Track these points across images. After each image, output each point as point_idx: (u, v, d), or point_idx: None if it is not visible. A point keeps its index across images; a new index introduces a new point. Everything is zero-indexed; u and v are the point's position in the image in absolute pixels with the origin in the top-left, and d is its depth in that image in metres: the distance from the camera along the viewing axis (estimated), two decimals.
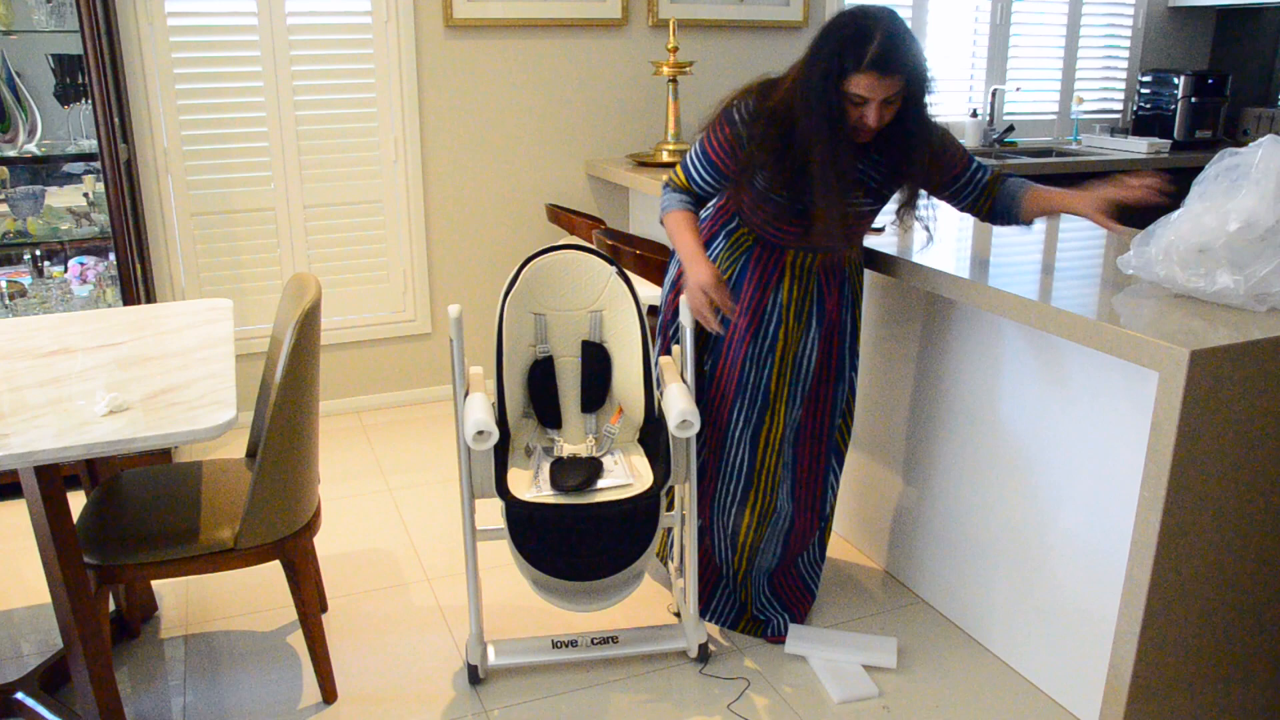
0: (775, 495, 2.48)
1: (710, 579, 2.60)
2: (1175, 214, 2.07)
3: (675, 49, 3.87)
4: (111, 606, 2.54)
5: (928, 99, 2.16)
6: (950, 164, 2.35)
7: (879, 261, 2.49)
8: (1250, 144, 2.03)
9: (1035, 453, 2.30)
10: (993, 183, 2.40)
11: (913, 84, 2.09)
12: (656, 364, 2.41)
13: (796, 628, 2.54)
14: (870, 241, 2.56)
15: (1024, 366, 2.30)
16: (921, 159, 2.23)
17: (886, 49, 2.00)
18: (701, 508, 2.51)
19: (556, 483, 2.22)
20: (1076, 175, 4.52)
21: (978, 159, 2.42)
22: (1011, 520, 2.39)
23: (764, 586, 2.60)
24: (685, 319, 2.32)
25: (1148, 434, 1.84)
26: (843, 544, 3.02)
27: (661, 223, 2.36)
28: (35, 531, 1.93)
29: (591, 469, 2.26)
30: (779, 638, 2.55)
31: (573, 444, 2.42)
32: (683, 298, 2.30)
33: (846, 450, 2.57)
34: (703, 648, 2.44)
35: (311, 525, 2.26)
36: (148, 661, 2.48)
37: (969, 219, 2.94)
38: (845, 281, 2.43)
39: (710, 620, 2.61)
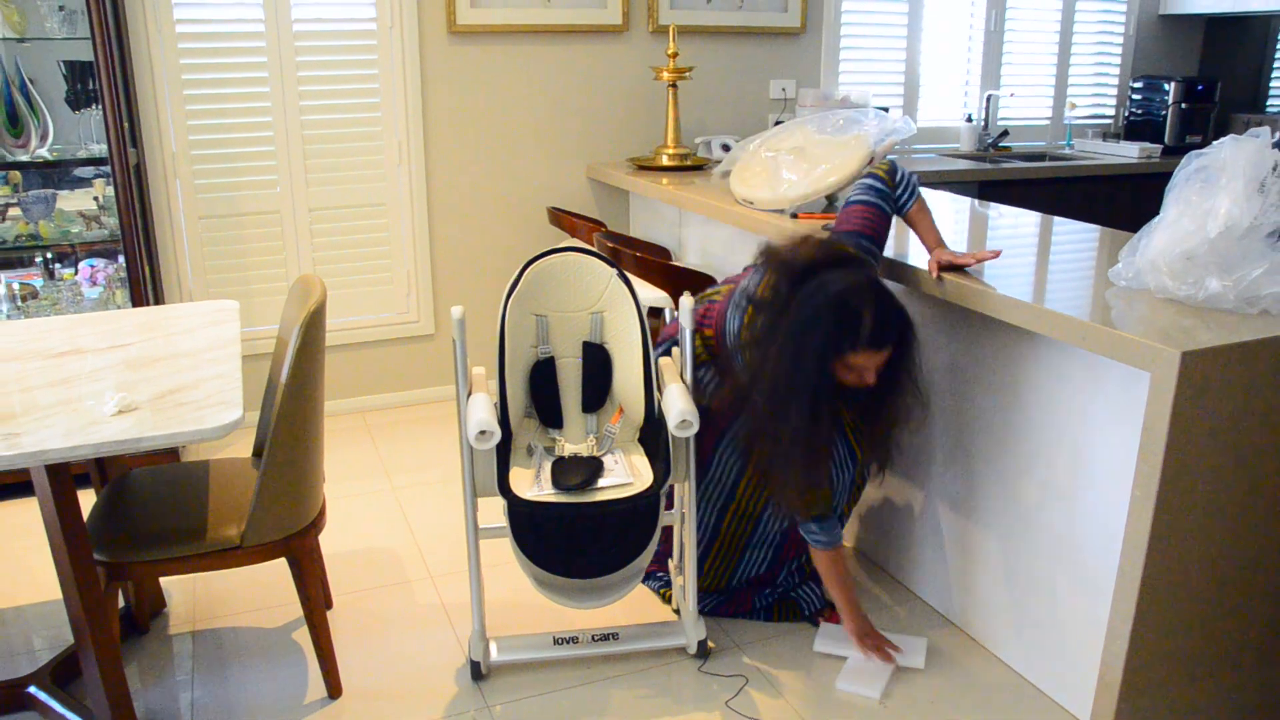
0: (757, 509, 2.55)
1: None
2: (1155, 221, 2.09)
3: (675, 54, 3.91)
4: (121, 603, 2.57)
5: (914, 363, 2.25)
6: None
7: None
8: (1213, 145, 2.06)
9: (1028, 453, 2.32)
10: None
11: (901, 345, 2.17)
12: (656, 365, 2.45)
13: (827, 626, 2.57)
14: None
15: (1017, 367, 2.33)
16: (904, 388, 2.27)
17: (879, 324, 2.08)
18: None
19: (558, 482, 2.26)
20: (1070, 179, 4.56)
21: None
22: (1005, 518, 2.42)
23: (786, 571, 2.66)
24: (685, 321, 2.36)
25: (1139, 434, 1.86)
26: None
27: (812, 558, 2.46)
28: (46, 529, 1.95)
29: (592, 468, 2.30)
30: (827, 613, 2.61)
31: (574, 444, 2.45)
32: None
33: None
34: (702, 644, 2.47)
35: (317, 523, 2.29)
36: (156, 657, 2.51)
37: (963, 226, 2.97)
38: None
39: (750, 618, 2.66)
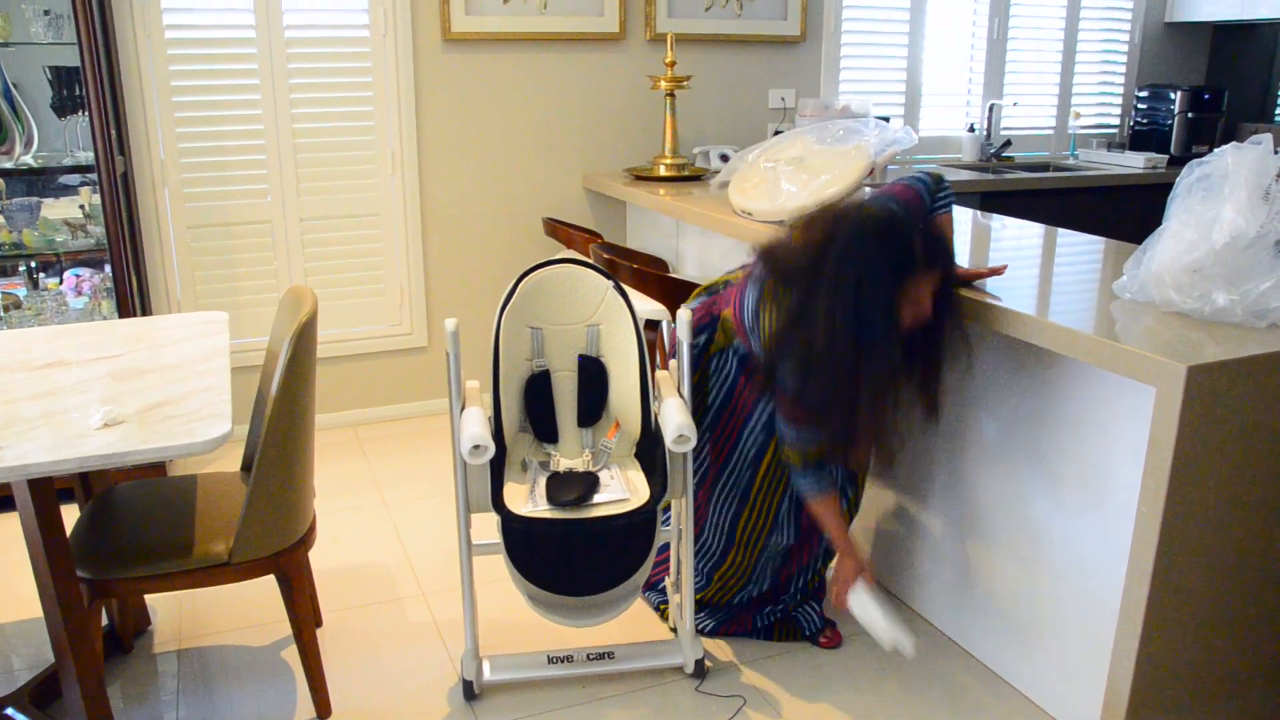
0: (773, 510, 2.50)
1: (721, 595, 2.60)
2: (1159, 231, 2.06)
3: (673, 63, 3.88)
4: (104, 620, 2.52)
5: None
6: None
7: None
8: (1215, 153, 2.03)
9: (1033, 468, 2.29)
10: None
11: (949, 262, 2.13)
12: (653, 378, 2.41)
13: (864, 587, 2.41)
14: None
15: (1021, 380, 2.30)
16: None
17: (928, 241, 2.04)
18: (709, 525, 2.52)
19: (553, 497, 2.21)
20: (1074, 190, 4.54)
21: None
22: (1008, 535, 2.39)
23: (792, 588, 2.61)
24: (683, 334, 2.32)
25: (1145, 449, 1.83)
26: None
27: (804, 500, 2.38)
28: (28, 545, 1.92)
29: (588, 484, 2.26)
30: (828, 632, 2.58)
31: (569, 458, 2.41)
32: None
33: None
34: (699, 663, 2.43)
35: (306, 539, 2.25)
36: (140, 676, 2.47)
37: (965, 238, 2.94)
38: None
39: (751, 637, 2.62)
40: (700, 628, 2.61)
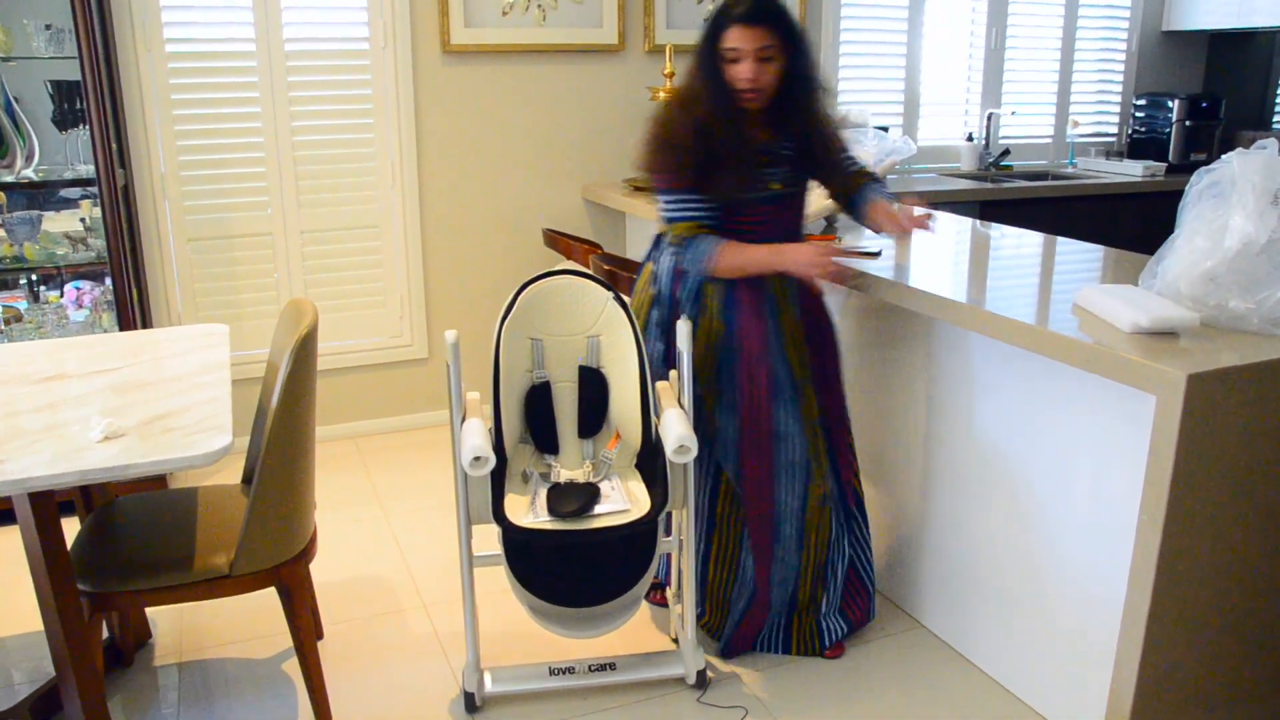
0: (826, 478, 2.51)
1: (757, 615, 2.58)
2: (1172, 239, 2.07)
3: (672, 74, 3.89)
4: (105, 633, 2.52)
5: (808, 67, 2.34)
6: (837, 145, 2.51)
7: (875, 285, 2.49)
8: (1221, 159, 2.03)
9: (1034, 477, 2.29)
10: (857, 175, 2.55)
11: (786, 41, 2.25)
12: (653, 389, 2.41)
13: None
14: (865, 265, 2.56)
15: (1023, 389, 2.30)
16: (819, 123, 2.40)
17: (755, 5, 2.22)
18: (760, 556, 2.50)
19: (553, 509, 2.21)
20: (1073, 198, 4.55)
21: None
22: (1010, 545, 2.38)
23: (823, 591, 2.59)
24: (683, 345, 2.32)
25: (1146, 458, 1.83)
26: None
27: (712, 273, 2.36)
28: (29, 558, 1.92)
29: (588, 495, 2.25)
30: (838, 649, 2.58)
31: (570, 469, 2.41)
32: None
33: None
34: (701, 674, 2.43)
35: (307, 552, 2.25)
36: (141, 689, 2.46)
37: (964, 245, 2.95)
38: (821, 297, 2.52)
39: (761, 650, 2.61)
40: (710, 650, 2.60)
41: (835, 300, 2.90)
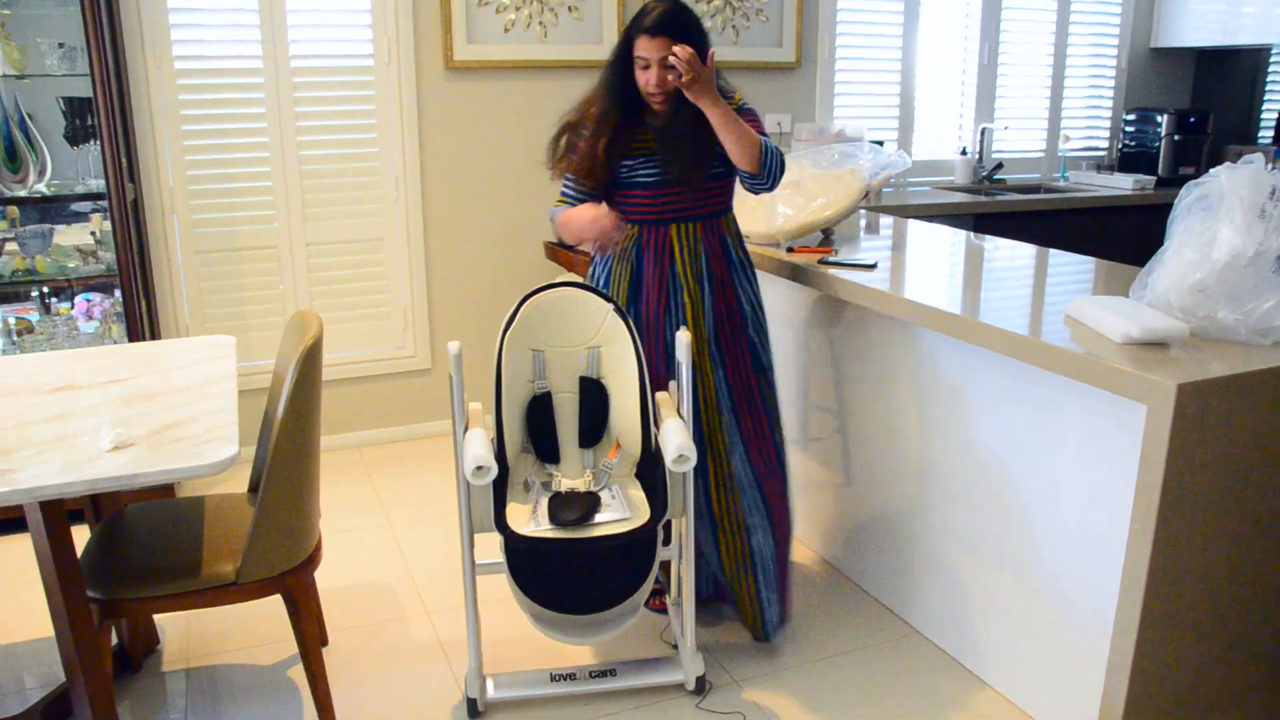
0: (729, 459, 2.58)
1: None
2: (1161, 252, 2.10)
3: None
4: (114, 640, 2.54)
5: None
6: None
7: (870, 296, 2.53)
8: (1209, 173, 2.07)
9: (1027, 485, 2.32)
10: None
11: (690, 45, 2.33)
12: (653, 400, 2.44)
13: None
14: (861, 277, 2.60)
15: (1016, 400, 2.33)
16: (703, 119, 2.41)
17: (660, 16, 2.35)
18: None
19: (555, 517, 2.24)
20: (1065, 211, 4.59)
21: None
22: (1004, 552, 2.41)
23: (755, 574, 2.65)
24: (682, 356, 2.36)
25: (1137, 466, 1.86)
26: (837, 575, 3.04)
27: (560, 237, 2.59)
28: (39, 565, 1.94)
29: (589, 503, 2.28)
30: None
31: (570, 479, 2.44)
32: (680, 334, 2.36)
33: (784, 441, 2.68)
34: (700, 680, 2.45)
35: (313, 559, 2.27)
36: (149, 695, 2.49)
37: (959, 253, 2.99)
38: (728, 246, 2.58)
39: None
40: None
41: (829, 311, 2.93)
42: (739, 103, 2.52)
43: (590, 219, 2.43)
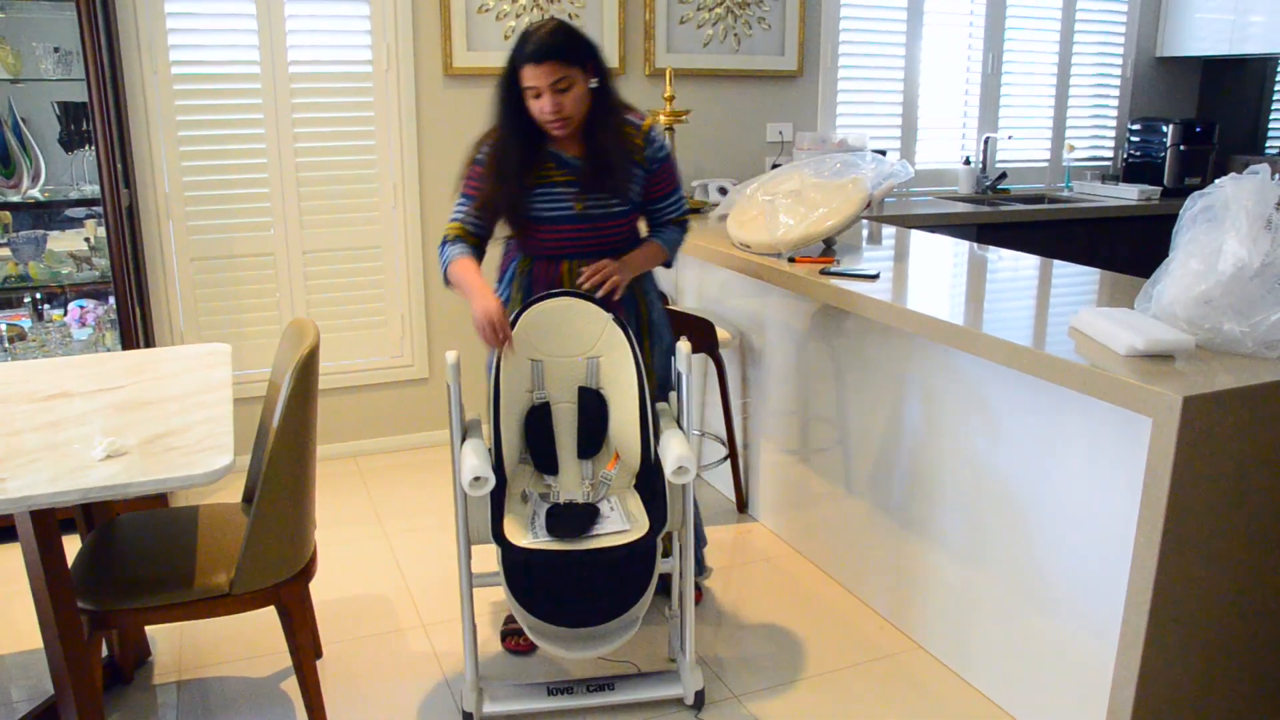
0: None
1: None
2: (1166, 263, 2.08)
3: (672, 97, 3.92)
4: (104, 651, 2.52)
5: (607, 87, 2.42)
6: (658, 185, 2.56)
7: (873, 307, 2.51)
8: (1214, 184, 2.05)
9: (1031, 499, 2.30)
10: (671, 224, 2.63)
11: (583, 65, 2.33)
12: (653, 410, 2.42)
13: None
14: (863, 288, 2.58)
15: (1020, 412, 2.31)
16: (616, 144, 2.43)
17: (541, 42, 2.28)
18: None
19: (553, 529, 2.22)
20: (1069, 222, 4.58)
21: (684, 203, 2.65)
22: (1007, 566, 2.39)
23: None
24: (682, 365, 2.34)
25: (1142, 479, 1.84)
26: (839, 590, 3.01)
27: (446, 279, 2.49)
28: (29, 576, 1.92)
29: (588, 515, 2.26)
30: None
31: (569, 490, 2.42)
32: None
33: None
34: (699, 695, 2.43)
35: (307, 570, 2.25)
36: (140, 707, 2.46)
37: (962, 264, 2.97)
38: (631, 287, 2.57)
39: None
40: None
41: (830, 321, 2.92)
42: (649, 146, 2.49)
43: (481, 309, 2.34)
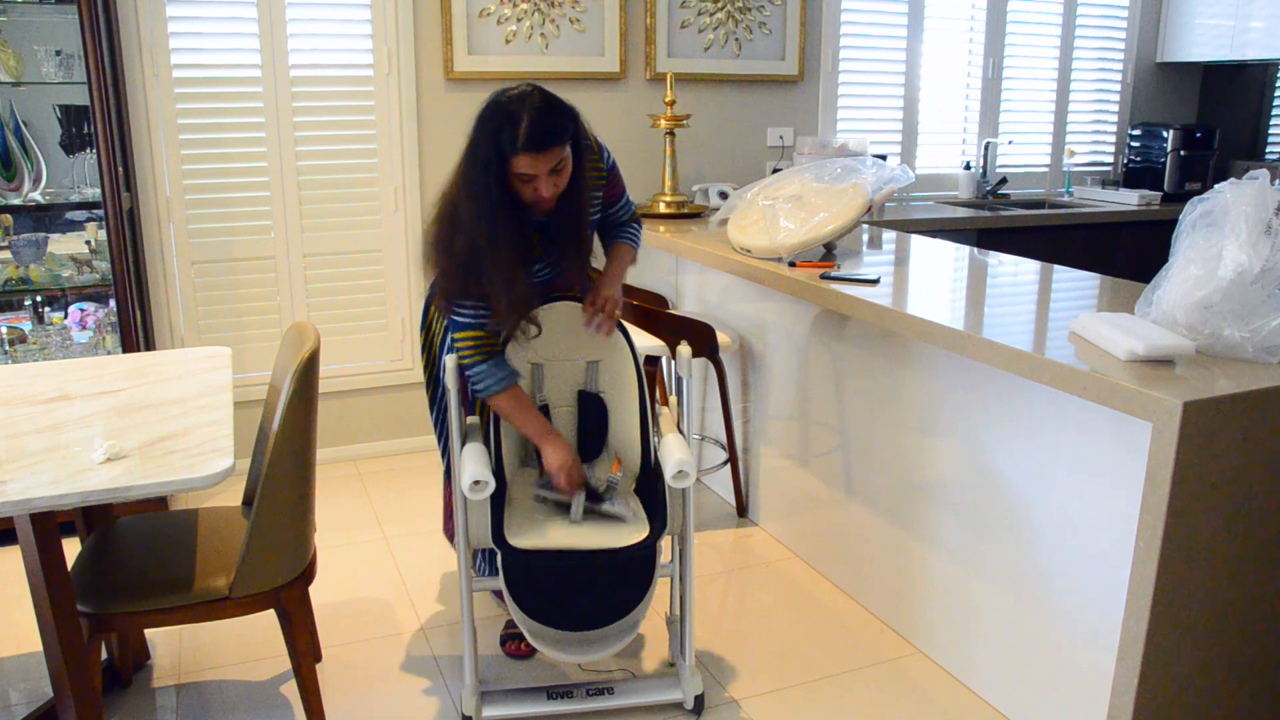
0: None
1: None
2: (1166, 268, 2.08)
3: (673, 102, 3.93)
4: (104, 654, 2.52)
5: (585, 156, 2.29)
6: (612, 191, 2.50)
7: (873, 312, 2.51)
8: (1214, 189, 2.05)
9: (1032, 504, 2.30)
10: (626, 222, 2.60)
11: (572, 142, 2.20)
12: (653, 414, 2.42)
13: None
14: (864, 293, 2.58)
15: (1020, 417, 2.31)
16: (587, 196, 2.34)
17: (535, 127, 2.10)
18: None
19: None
20: (1069, 227, 4.58)
21: (631, 203, 2.60)
22: (1007, 571, 2.39)
23: None
24: (682, 370, 2.33)
25: (1143, 484, 1.84)
26: (839, 594, 3.01)
27: (486, 404, 2.36)
28: (29, 579, 1.92)
29: (606, 486, 2.30)
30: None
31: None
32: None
33: None
34: (699, 699, 2.42)
35: (307, 574, 2.25)
36: (139, 711, 2.46)
37: (962, 269, 2.97)
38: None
39: None
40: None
41: (831, 326, 2.92)
42: (604, 161, 2.42)
43: (559, 463, 2.27)
